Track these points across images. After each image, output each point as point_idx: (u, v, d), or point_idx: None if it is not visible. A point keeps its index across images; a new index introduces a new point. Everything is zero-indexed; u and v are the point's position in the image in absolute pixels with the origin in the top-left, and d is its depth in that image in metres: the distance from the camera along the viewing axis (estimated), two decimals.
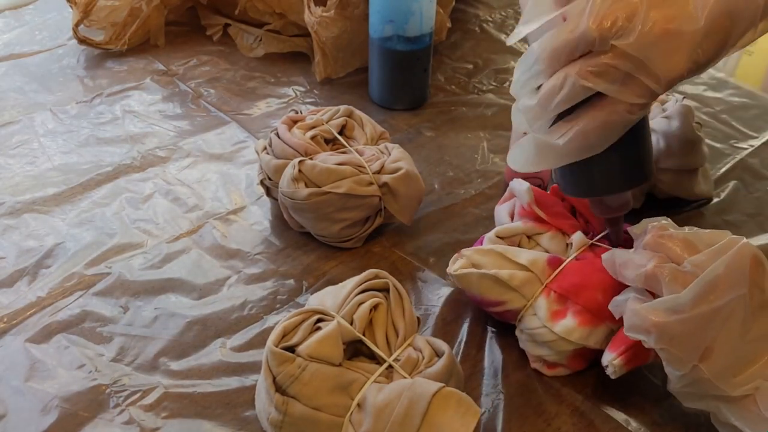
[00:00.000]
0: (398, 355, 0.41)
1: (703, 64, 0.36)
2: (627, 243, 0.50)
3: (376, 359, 0.42)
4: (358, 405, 0.39)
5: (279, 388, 0.39)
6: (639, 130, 0.41)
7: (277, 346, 0.39)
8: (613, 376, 0.42)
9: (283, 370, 0.39)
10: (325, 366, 0.39)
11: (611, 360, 0.42)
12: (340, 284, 0.45)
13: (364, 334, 0.41)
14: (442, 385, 0.38)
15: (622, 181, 0.44)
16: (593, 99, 0.38)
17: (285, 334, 0.40)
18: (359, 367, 0.40)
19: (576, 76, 0.37)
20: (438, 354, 0.42)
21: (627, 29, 0.35)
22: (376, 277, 0.44)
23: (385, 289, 0.44)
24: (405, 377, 0.40)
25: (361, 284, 0.44)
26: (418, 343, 0.42)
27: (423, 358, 0.41)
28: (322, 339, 0.39)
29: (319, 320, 0.42)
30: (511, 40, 0.41)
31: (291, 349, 0.40)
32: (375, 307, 0.42)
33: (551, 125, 0.40)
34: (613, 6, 0.36)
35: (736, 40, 0.37)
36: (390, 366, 0.41)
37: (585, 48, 0.36)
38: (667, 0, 0.35)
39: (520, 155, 0.42)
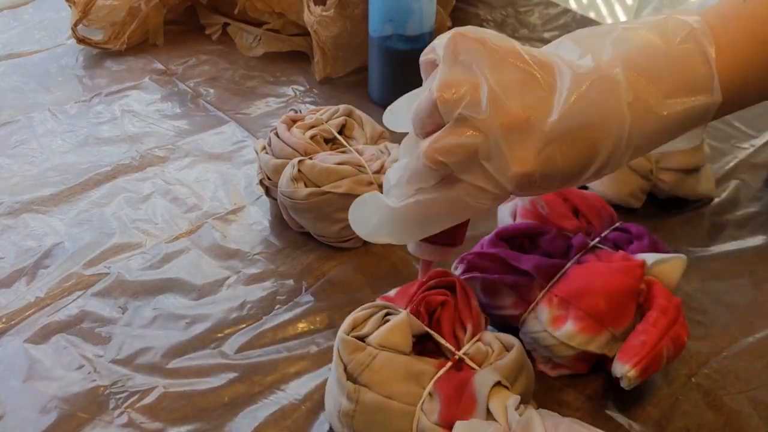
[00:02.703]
0: (467, 350, 0.41)
1: (561, 169, 0.33)
2: (622, 242, 0.49)
3: (444, 356, 0.41)
4: (430, 394, 0.38)
5: (350, 377, 0.39)
6: None
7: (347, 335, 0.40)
8: (627, 388, 0.42)
9: (354, 357, 0.39)
10: (395, 354, 0.39)
11: (626, 372, 0.41)
12: (407, 284, 0.45)
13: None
14: (499, 380, 0.38)
15: None
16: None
17: (355, 326, 0.41)
18: (428, 361, 0.40)
19: (422, 154, 0.34)
20: (507, 348, 0.41)
21: (475, 101, 0.32)
22: (443, 275, 0.44)
23: (451, 287, 0.44)
24: (475, 369, 0.39)
25: (428, 282, 0.44)
26: (486, 338, 0.42)
27: (492, 351, 0.41)
28: (392, 328, 0.40)
29: (388, 314, 0.42)
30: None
31: (361, 339, 0.40)
32: (442, 304, 0.42)
33: None
34: (461, 75, 0.33)
35: (604, 156, 0.33)
36: (460, 360, 0.40)
37: (431, 117, 0.34)
38: (528, 86, 0.32)
39: (363, 216, 0.38)
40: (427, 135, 0.34)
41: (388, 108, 0.40)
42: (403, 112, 0.39)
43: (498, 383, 0.38)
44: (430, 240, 0.39)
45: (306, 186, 0.54)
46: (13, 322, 0.49)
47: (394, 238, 0.37)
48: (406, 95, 0.40)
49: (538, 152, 0.32)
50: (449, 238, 0.40)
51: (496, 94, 0.32)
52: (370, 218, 0.37)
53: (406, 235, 0.37)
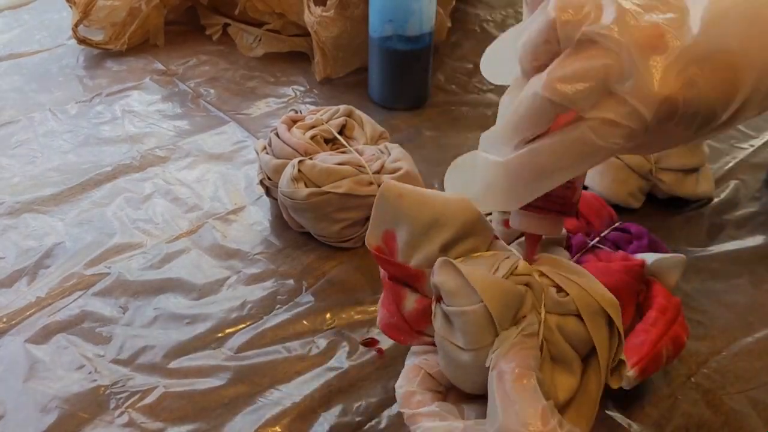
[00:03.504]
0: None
1: (704, 98, 0.28)
2: (622, 242, 0.49)
3: None
4: None
5: None
6: None
7: None
8: (626, 387, 0.42)
9: None
10: None
11: (625, 372, 0.41)
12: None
13: None
14: None
15: None
16: None
17: None
18: None
19: (541, 87, 0.29)
20: None
21: (599, 19, 0.28)
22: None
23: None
24: None
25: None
26: None
27: None
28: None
29: None
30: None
31: None
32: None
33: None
34: None
35: (748, 85, 0.28)
36: None
37: (546, 44, 0.29)
38: (656, 7, 0.28)
39: (462, 182, 0.33)
40: (539, 70, 0.29)
41: (485, 53, 0.34)
42: (503, 57, 0.33)
43: None
44: (538, 207, 0.34)
45: (306, 186, 0.54)
46: (13, 322, 0.49)
47: (500, 202, 0.32)
48: (503, 37, 0.34)
49: (679, 72, 0.27)
50: (562, 205, 0.34)
51: (624, 9, 0.28)
52: (473, 182, 0.32)
53: (516, 195, 0.31)
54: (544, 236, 0.37)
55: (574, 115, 0.29)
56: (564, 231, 0.39)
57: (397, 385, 0.38)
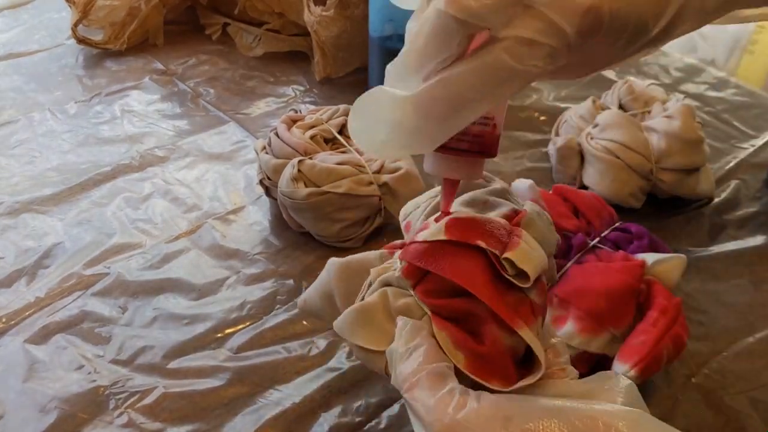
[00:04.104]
0: None
1: (633, 7, 0.25)
2: (622, 242, 0.49)
3: None
4: None
5: None
6: None
7: None
8: None
9: None
10: None
11: (625, 372, 0.41)
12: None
13: None
14: None
15: None
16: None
17: None
18: None
19: (443, 4, 0.24)
20: None
21: None
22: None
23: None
24: None
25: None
26: None
27: None
28: None
29: None
30: None
31: None
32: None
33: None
34: None
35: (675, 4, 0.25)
36: None
37: None
38: None
39: (369, 123, 0.28)
40: None
41: None
42: None
43: None
44: (453, 150, 0.30)
45: (306, 186, 0.54)
46: (13, 322, 0.49)
47: (410, 145, 0.27)
48: None
49: None
50: (480, 144, 0.30)
51: None
52: (379, 123, 0.27)
53: (428, 134, 0.27)
54: (462, 181, 0.32)
55: (487, 36, 0.25)
56: (557, 237, 0.37)
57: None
